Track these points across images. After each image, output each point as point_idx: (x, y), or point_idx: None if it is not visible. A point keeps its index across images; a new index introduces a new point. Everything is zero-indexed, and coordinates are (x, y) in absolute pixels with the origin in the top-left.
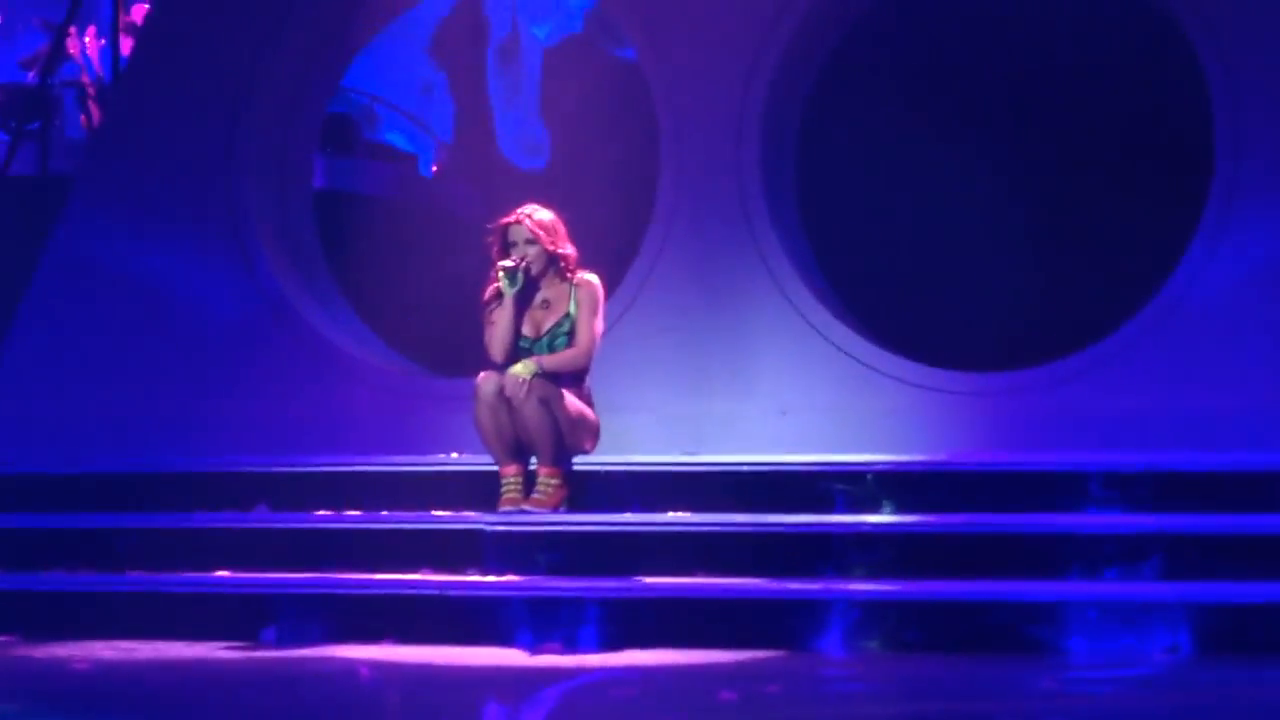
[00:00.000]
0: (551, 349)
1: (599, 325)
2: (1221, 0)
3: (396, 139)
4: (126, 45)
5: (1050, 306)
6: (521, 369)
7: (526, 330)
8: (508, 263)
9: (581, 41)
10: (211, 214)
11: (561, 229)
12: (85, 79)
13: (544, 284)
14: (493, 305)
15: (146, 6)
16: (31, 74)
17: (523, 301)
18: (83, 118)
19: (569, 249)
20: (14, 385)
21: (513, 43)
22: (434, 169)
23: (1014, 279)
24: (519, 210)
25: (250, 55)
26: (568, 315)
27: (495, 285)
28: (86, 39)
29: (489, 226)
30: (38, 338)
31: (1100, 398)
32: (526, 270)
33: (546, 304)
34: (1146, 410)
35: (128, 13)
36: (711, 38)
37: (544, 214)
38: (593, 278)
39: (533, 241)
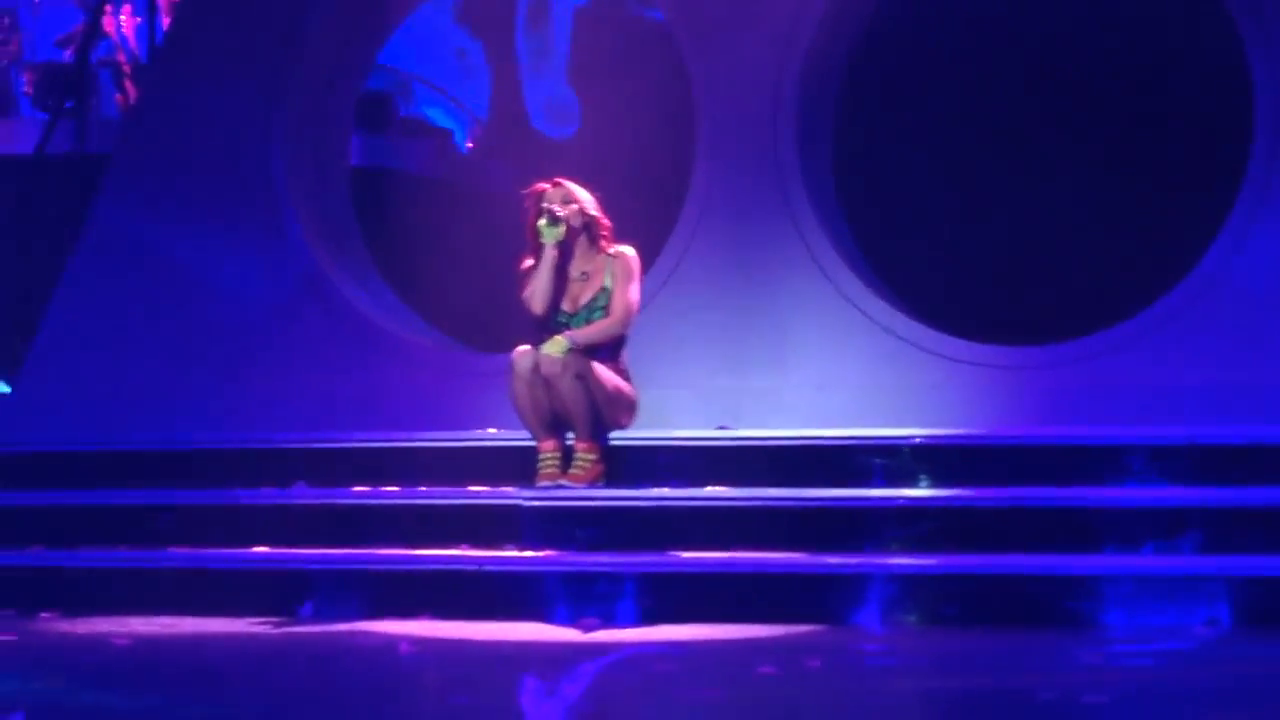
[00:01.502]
0: (589, 322)
1: (635, 295)
2: None
3: (433, 115)
4: (163, 23)
5: (1088, 280)
6: (555, 347)
7: (564, 305)
8: (551, 208)
9: (611, 2)
10: (248, 192)
11: (596, 203)
12: (121, 57)
13: (579, 255)
14: (531, 271)
15: None
16: (68, 53)
17: (562, 261)
18: (119, 96)
19: (605, 219)
20: (53, 362)
21: (542, 3)
22: (470, 145)
23: (1052, 253)
24: (556, 178)
25: (286, 32)
26: (604, 289)
27: (533, 253)
28: (122, 17)
29: (525, 192)
30: (76, 315)
31: (1138, 371)
32: (567, 224)
33: (585, 276)
34: (1185, 384)
35: None
36: (748, 12)
37: (580, 188)
38: (629, 250)
39: (570, 202)
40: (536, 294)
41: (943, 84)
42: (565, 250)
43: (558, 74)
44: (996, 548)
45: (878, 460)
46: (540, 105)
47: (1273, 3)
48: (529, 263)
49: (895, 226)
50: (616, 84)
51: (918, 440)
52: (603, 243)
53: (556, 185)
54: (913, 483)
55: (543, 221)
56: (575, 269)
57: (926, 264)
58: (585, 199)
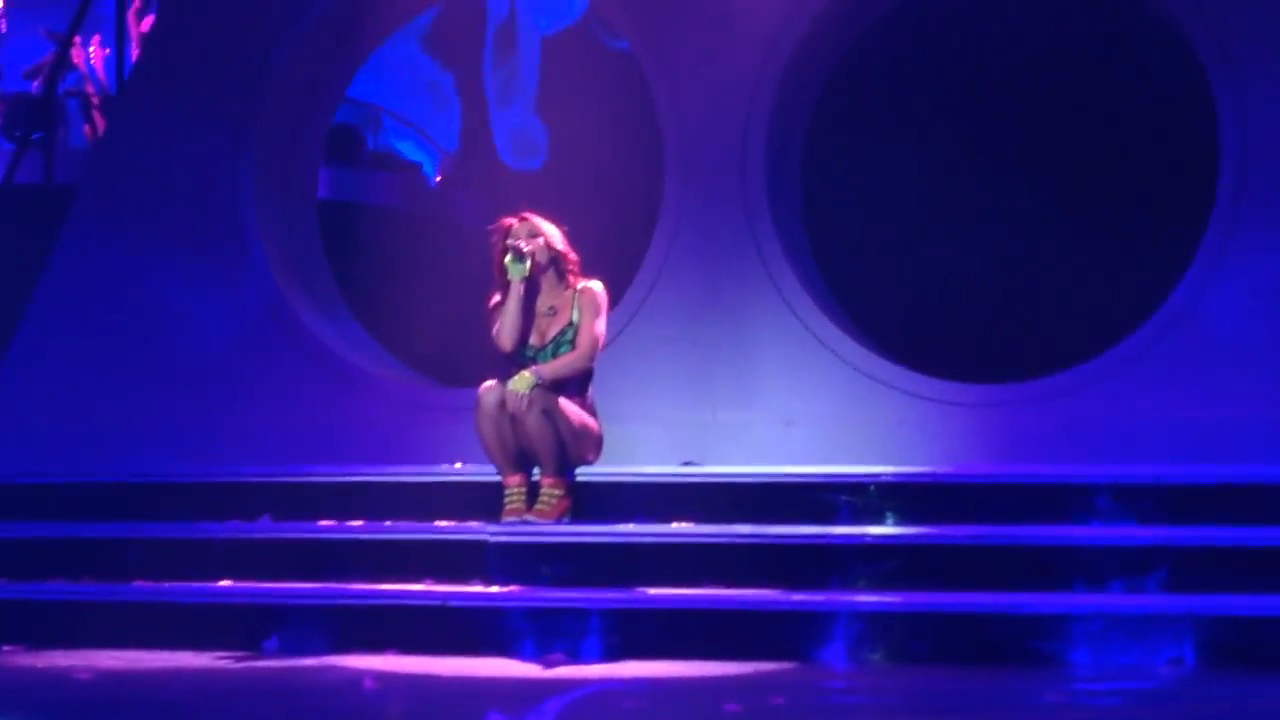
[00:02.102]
0: (556, 356)
1: (601, 329)
2: (1229, 15)
3: (402, 148)
4: (132, 55)
5: (1056, 318)
6: (521, 384)
7: (532, 339)
8: (517, 243)
9: (578, 33)
10: (215, 224)
11: (562, 235)
12: (89, 89)
13: (547, 290)
14: (499, 307)
15: (153, 17)
16: (36, 84)
17: (529, 296)
18: (87, 127)
19: (571, 253)
20: (18, 394)
21: (509, 32)
22: (439, 178)
23: (1019, 291)
24: (522, 213)
25: (255, 66)
26: (571, 323)
27: (501, 288)
28: (91, 49)
29: (491, 227)
30: (41, 347)
31: (1105, 410)
32: (533, 258)
33: (552, 310)
34: (1152, 423)
35: (138, 23)
36: (716, 48)
37: (546, 223)
38: (596, 284)
39: (536, 235)
40: (504, 330)
41: (910, 121)
42: (532, 285)
43: (525, 105)
44: (963, 586)
45: (844, 497)
46: (507, 137)
47: (1237, 44)
48: (496, 299)
49: (863, 263)
50: (585, 115)
51: (884, 478)
52: (570, 277)
53: (523, 220)
54: (879, 520)
55: (509, 258)
56: (542, 303)
57: (894, 301)
58: (551, 233)
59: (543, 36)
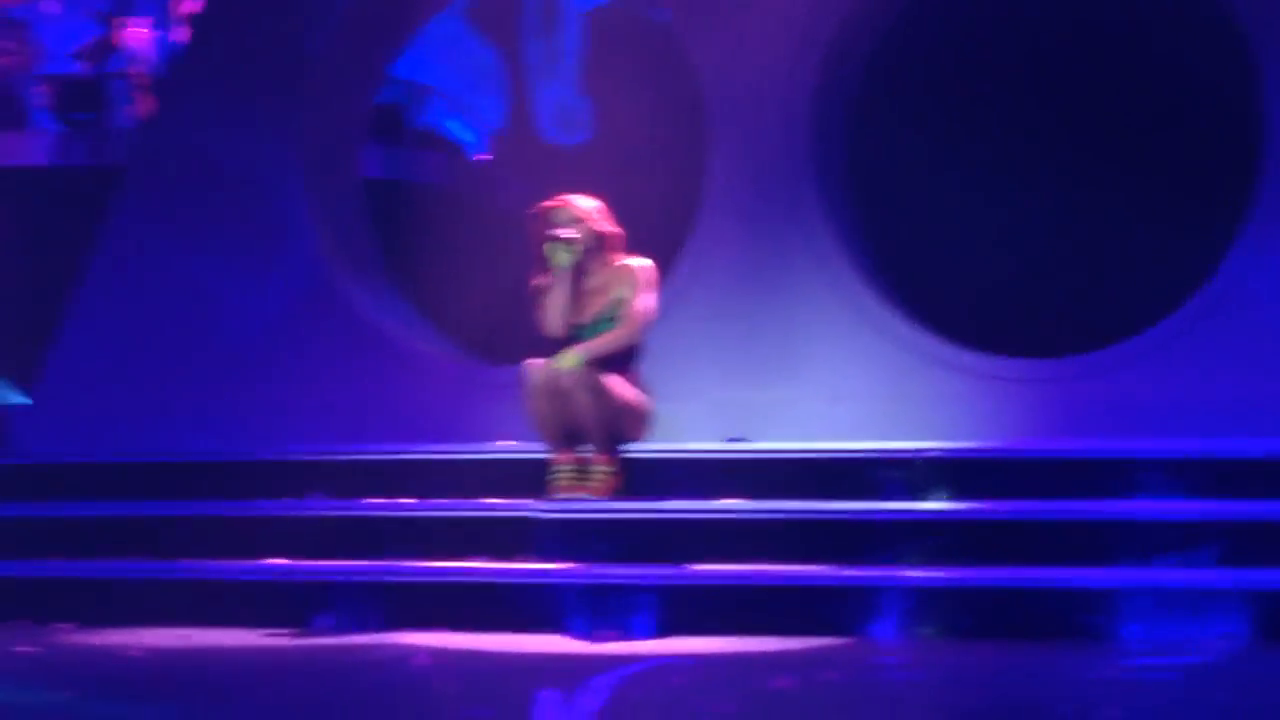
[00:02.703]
0: (601, 333)
1: (648, 303)
2: None
3: (448, 126)
4: (178, 35)
5: (1103, 293)
6: (568, 361)
7: (578, 318)
8: (563, 232)
9: (621, 5)
10: (262, 204)
11: (605, 213)
12: (136, 69)
13: (592, 269)
14: (544, 289)
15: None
16: (84, 65)
17: (575, 275)
18: (134, 107)
19: (614, 229)
20: (68, 374)
21: (551, 6)
22: (484, 156)
23: (1066, 266)
24: (562, 195)
25: (300, 45)
26: (617, 300)
27: (546, 270)
28: (138, 29)
29: (532, 211)
30: (91, 327)
31: (1155, 384)
32: (577, 244)
33: (597, 290)
34: (1200, 396)
35: (184, 1)
36: (757, 20)
37: (588, 200)
38: (641, 261)
39: (578, 221)
40: (552, 318)
41: (960, 96)
42: (577, 266)
43: (567, 80)
44: (1013, 561)
45: (892, 473)
46: (550, 112)
47: None
48: (540, 281)
49: (909, 237)
50: (627, 89)
51: (932, 453)
52: (613, 254)
53: (563, 204)
54: (928, 496)
55: (553, 247)
56: (588, 282)
57: (941, 276)
58: (592, 213)
59: (585, 10)
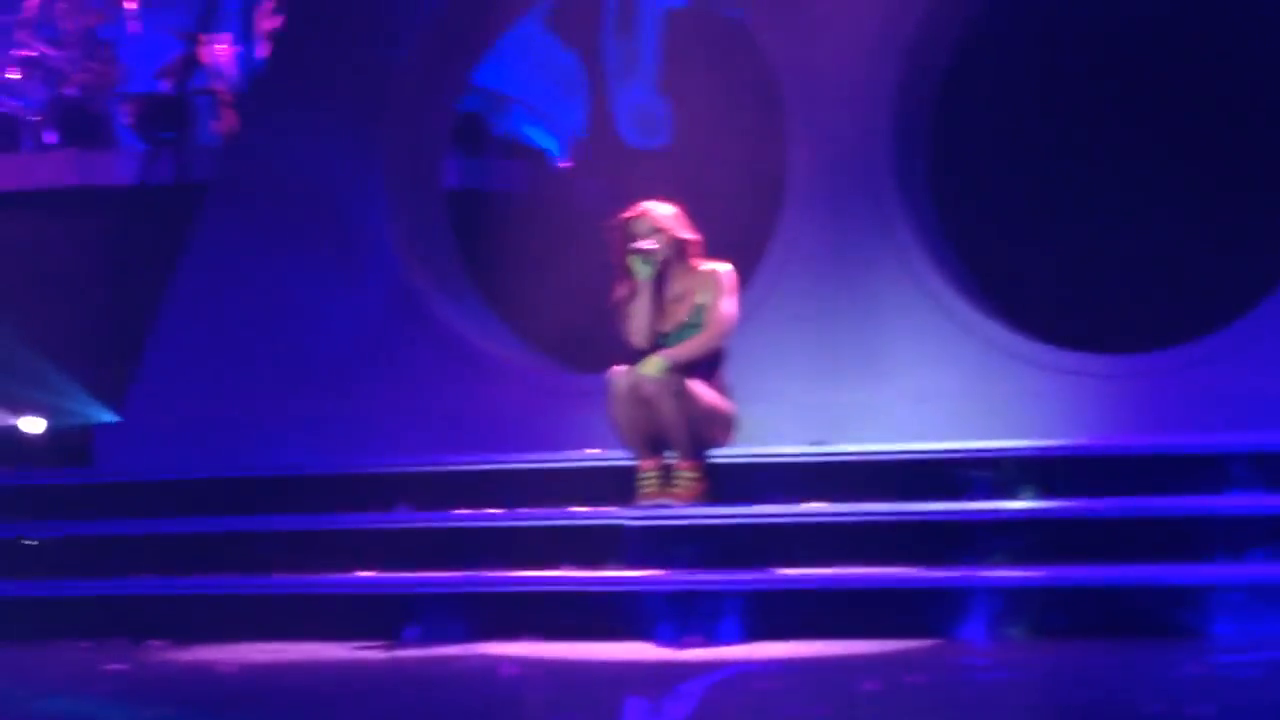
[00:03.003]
0: (684, 339)
1: (730, 308)
2: None
3: (529, 134)
4: (260, 51)
5: (1187, 286)
6: (651, 368)
7: (661, 325)
8: (644, 244)
9: (699, 5)
10: (345, 218)
11: (683, 219)
12: (219, 86)
13: (673, 276)
14: (627, 300)
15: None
16: (167, 83)
17: (657, 284)
18: (217, 124)
19: (693, 235)
20: (157, 390)
21: (629, 6)
22: (566, 162)
23: (1149, 259)
24: (639, 205)
25: (380, 61)
26: (699, 305)
27: (628, 282)
28: (220, 46)
29: (609, 224)
30: (178, 343)
31: (1238, 378)
32: (658, 255)
33: (678, 296)
34: None
35: (268, 18)
36: (837, 18)
37: (665, 207)
38: (721, 266)
39: (657, 231)
40: (638, 329)
41: (1039, 90)
42: (658, 275)
43: (646, 81)
44: (1101, 559)
45: (979, 473)
46: (629, 115)
47: None
48: (623, 292)
49: (992, 236)
50: (707, 90)
51: (1019, 452)
52: (693, 260)
53: (641, 215)
54: (1015, 494)
55: (635, 259)
56: (670, 290)
57: (1024, 273)
58: (671, 221)
59: (665, 9)
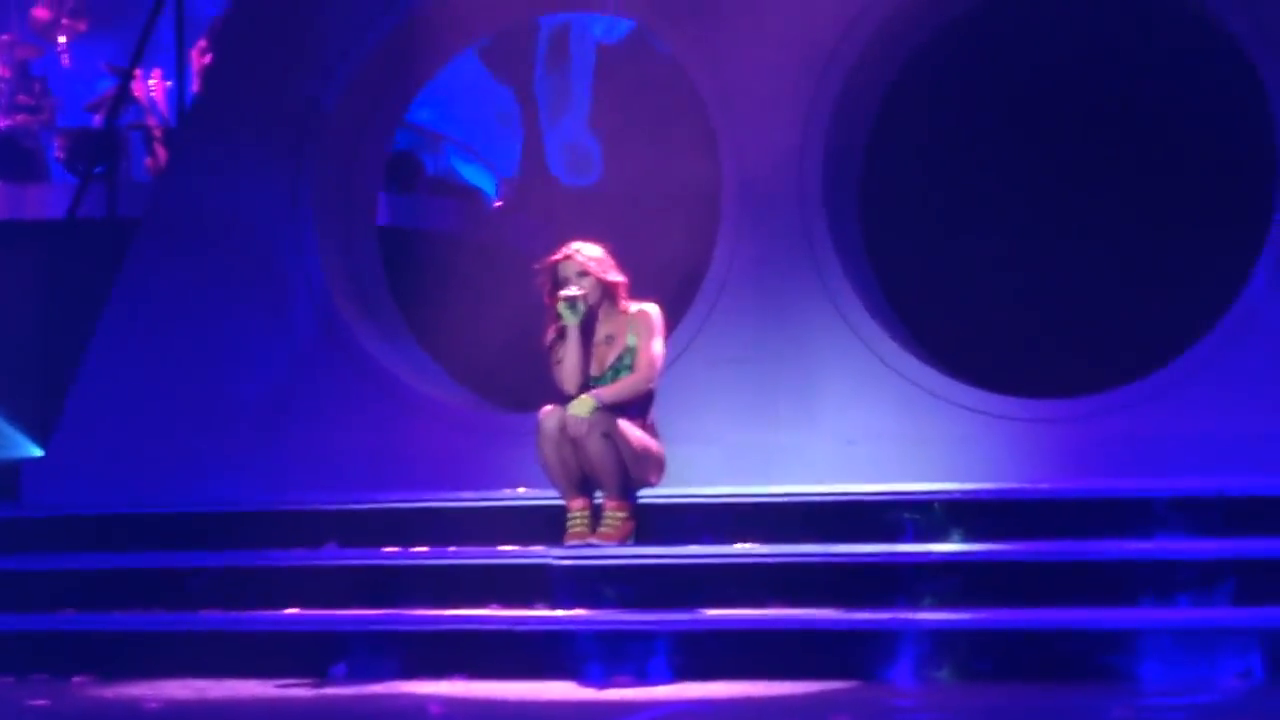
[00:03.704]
0: (616, 375)
1: (658, 349)
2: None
3: (462, 173)
4: (193, 87)
5: (1115, 332)
6: (581, 408)
7: (591, 368)
8: (569, 292)
9: (632, 42)
10: (276, 254)
11: (610, 260)
12: (151, 121)
13: (601, 319)
14: (556, 344)
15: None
16: (98, 117)
17: (585, 334)
18: (149, 160)
19: (620, 277)
20: (83, 425)
21: (562, 42)
22: (498, 202)
23: (1079, 305)
24: (566, 247)
25: (312, 98)
26: (628, 348)
27: (557, 325)
28: (152, 82)
29: (537, 266)
30: (105, 378)
31: (1168, 423)
32: (586, 300)
33: (609, 339)
34: (1214, 435)
35: (201, 57)
36: (772, 62)
37: (592, 248)
38: (650, 307)
39: (584, 274)
40: (567, 376)
41: (967, 136)
42: (588, 318)
43: (578, 119)
44: (1029, 602)
45: (908, 515)
46: (560, 152)
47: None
48: (552, 336)
49: (923, 278)
50: (639, 128)
51: (948, 495)
52: (622, 302)
53: (568, 258)
54: (944, 537)
55: (561, 305)
56: (599, 333)
57: (956, 317)
58: (598, 263)
59: (596, 45)
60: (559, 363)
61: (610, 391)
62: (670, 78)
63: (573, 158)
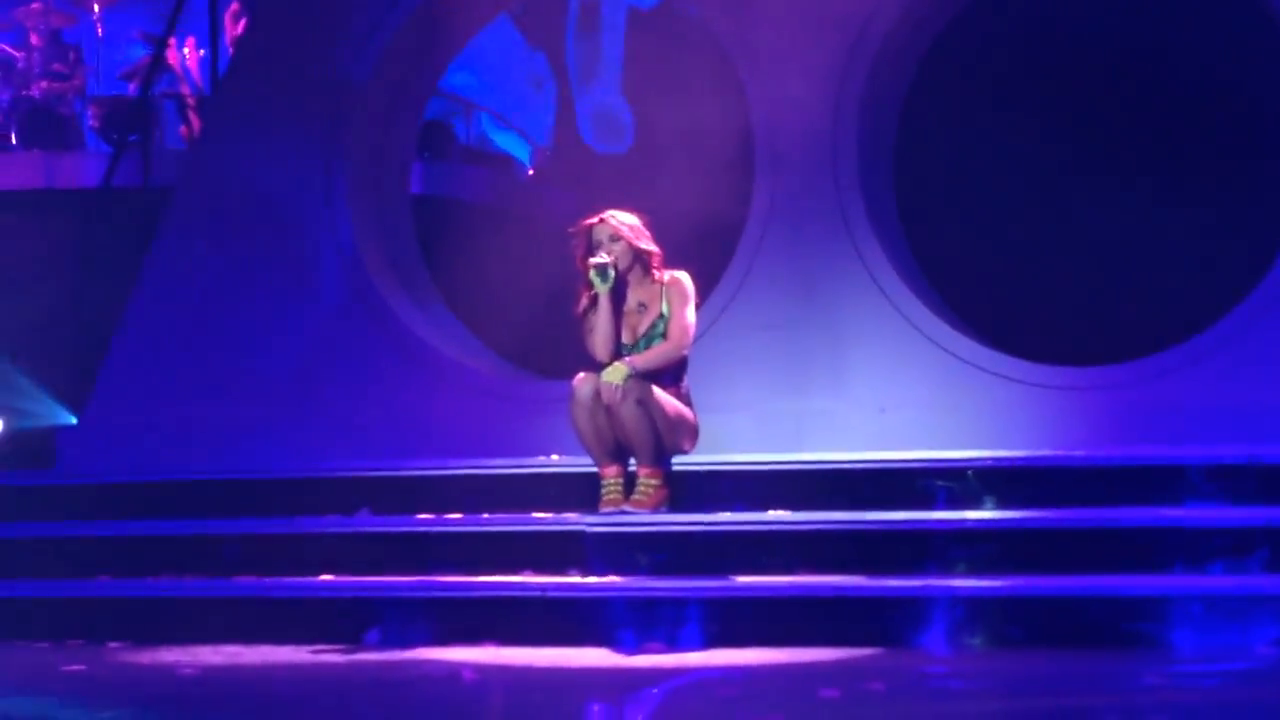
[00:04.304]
0: (650, 343)
1: (691, 317)
2: None
3: (496, 141)
4: (227, 55)
5: (1150, 300)
6: (615, 375)
7: (624, 336)
8: (599, 259)
9: (664, 6)
10: (310, 224)
11: (645, 229)
12: (185, 90)
13: (634, 286)
14: (589, 311)
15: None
16: (132, 86)
17: (617, 301)
18: (183, 128)
19: (654, 247)
20: (118, 393)
21: (593, 5)
22: (531, 170)
23: (1113, 272)
24: (602, 212)
25: (345, 67)
26: (661, 316)
27: (589, 293)
28: (186, 50)
29: (571, 230)
30: (140, 346)
31: (1201, 390)
32: (616, 267)
33: (641, 307)
34: (1248, 402)
35: (234, 25)
36: (806, 27)
37: (627, 215)
38: (682, 275)
39: (617, 239)
40: (598, 343)
41: (1003, 104)
42: (619, 286)
43: (609, 84)
44: (1061, 569)
45: (941, 482)
46: (591, 119)
47: None
48: (584, 303)
49: (957, 246)
50: (673, 94)
51: (981, 462)
52: (655, 270)
53: (601, 221)
54: (976, 505)
55: (593, 273)
56: (631, 300)
57: (988, 284)
58: (632, 230)
59: (629, 9)
60: (591, 330)
61: (643, 359)
62: (702, 42)
63: (604, 125)
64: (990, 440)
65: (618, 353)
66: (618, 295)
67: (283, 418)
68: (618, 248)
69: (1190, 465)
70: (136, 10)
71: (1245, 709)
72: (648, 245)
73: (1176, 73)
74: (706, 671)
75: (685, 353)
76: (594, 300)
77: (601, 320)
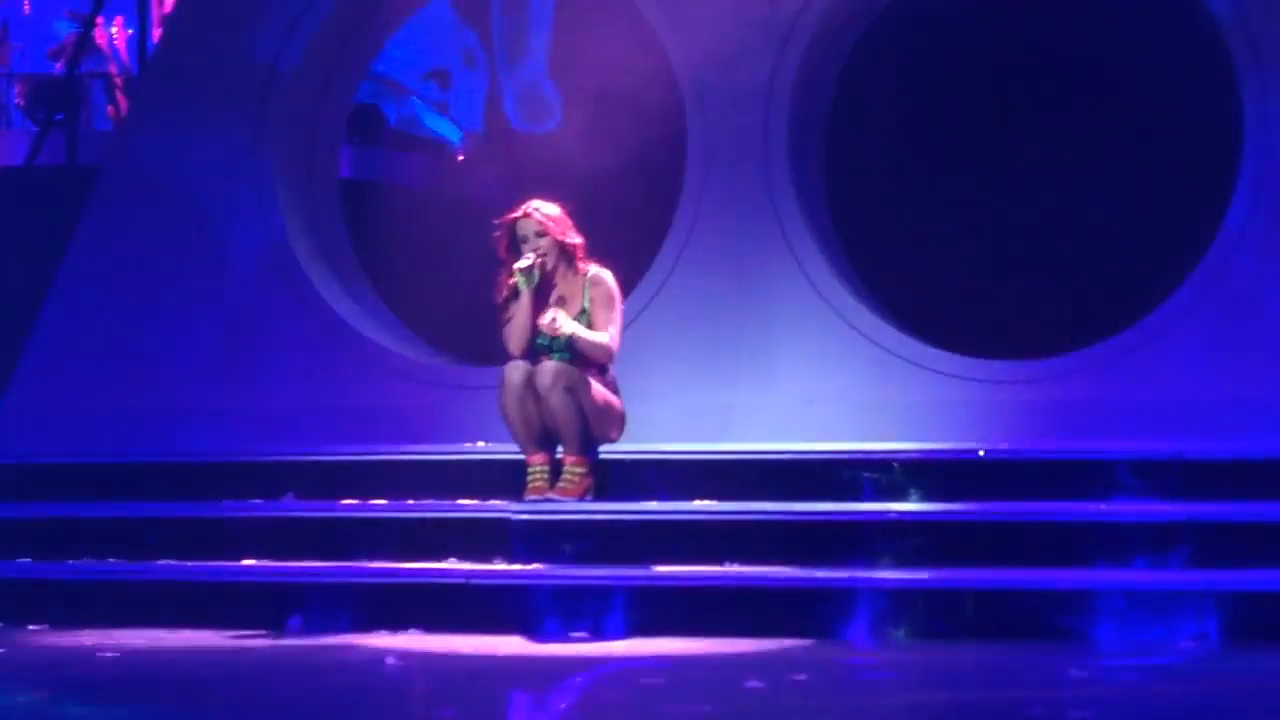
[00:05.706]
0: (566, 345)
1: (619, 322)
2: None
3: (426, 124)
4: (155, 35)
5: (1079, 294)
6: (565, 322)
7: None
8: (524, 262)
9: None
10: (238, 204)
11: (568, 220)
12: (113, 69)
13: (557, 279)
14: (509, 302)
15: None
16: (59, 64)
17: (539, 298)
18: (110, 108)
19: (577, 238)
20: (41, 374)
21: None
22: (461, 155)
23: (1042, 267)
24: (525, 205)
25: (275, 49)
26: (583, 310)
27: (510, 284)
28: (114, 29)
29: (495, 223)
30: (64, 327)
31: (1129, 385)
32: (542, 267)
33: (562, 300)
34: (1175, 398)
35: (160, 3)
36: (740, 9)
37: (550, 207)
38: (605, 273)
39: (542, 234)
40: (513, 336)
41: (933, 97)
42: (542, 278)
43: (536, 63)
44: (986, 562)
45: (867, 474)
46: (517, 98)
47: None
48: (508, 286)
49: (885, 240)
50: (602, 74)
51: (907, 455)
52: (580, 263)
53: (526, 216)
54: (902, 497)
55: (518, 275)
56: (553, 294)
57: (916, 278)
58: (557, 224)
59: None
60: (508, 321)
61: (582, 337)
62: (631, 20)
63: (530, 104)
64: (917, 433)
65: (532, 346)
66: (541, 287)
67: (207, 402)
68: (543, 243)
69: (1115, 460)
70: None
71: (1167, 703)
72: (572, 238)
73: (1114, 68)
74: (630, 660)
75: (612, 358)
76: (514, 290)
77: (520, 314)
